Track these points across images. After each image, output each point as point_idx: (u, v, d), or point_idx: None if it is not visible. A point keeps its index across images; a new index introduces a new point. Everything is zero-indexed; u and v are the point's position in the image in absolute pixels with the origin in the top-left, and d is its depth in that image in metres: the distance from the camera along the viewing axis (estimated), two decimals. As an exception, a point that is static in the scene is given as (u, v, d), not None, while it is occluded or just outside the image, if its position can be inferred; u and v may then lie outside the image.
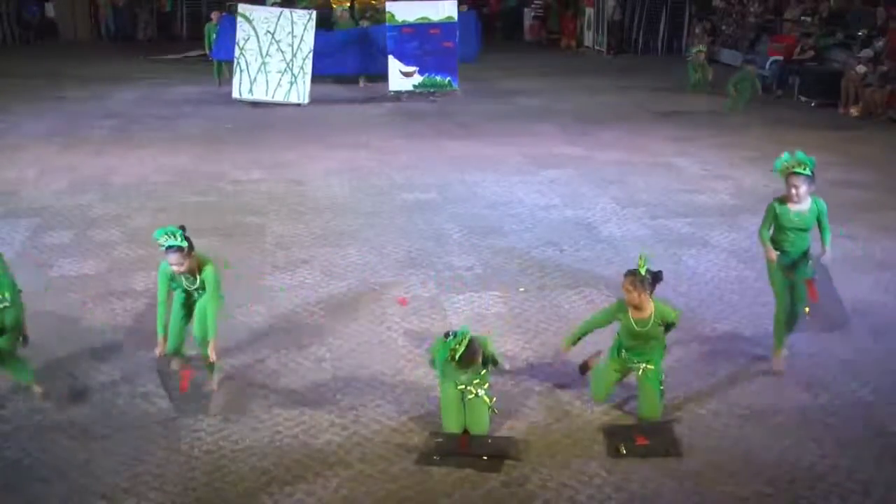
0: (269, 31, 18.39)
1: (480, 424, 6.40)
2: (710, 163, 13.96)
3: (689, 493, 5.76)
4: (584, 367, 7.10)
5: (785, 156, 7.34)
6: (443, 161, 14.16)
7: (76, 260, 9.72)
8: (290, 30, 18.41)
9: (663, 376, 6.69)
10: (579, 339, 6.90)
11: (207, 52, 21.24)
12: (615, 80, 22.40)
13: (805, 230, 7.33)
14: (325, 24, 23.61)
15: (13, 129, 16.51)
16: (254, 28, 18.38)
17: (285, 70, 18.58)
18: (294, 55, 18.48)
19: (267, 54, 18.47)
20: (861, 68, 18.03)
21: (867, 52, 18.50)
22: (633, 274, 6.48)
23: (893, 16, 19.36)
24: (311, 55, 18.59)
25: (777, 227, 7.39)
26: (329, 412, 6.71)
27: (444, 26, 19.05)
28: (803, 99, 19.51)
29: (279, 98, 18.63)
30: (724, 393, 6.98)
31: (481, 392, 6.42)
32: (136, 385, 7.06)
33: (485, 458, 6.10)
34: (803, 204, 7.29)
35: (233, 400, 6.89)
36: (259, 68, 18.52)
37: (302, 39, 18.47)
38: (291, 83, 18.63)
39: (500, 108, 18.80)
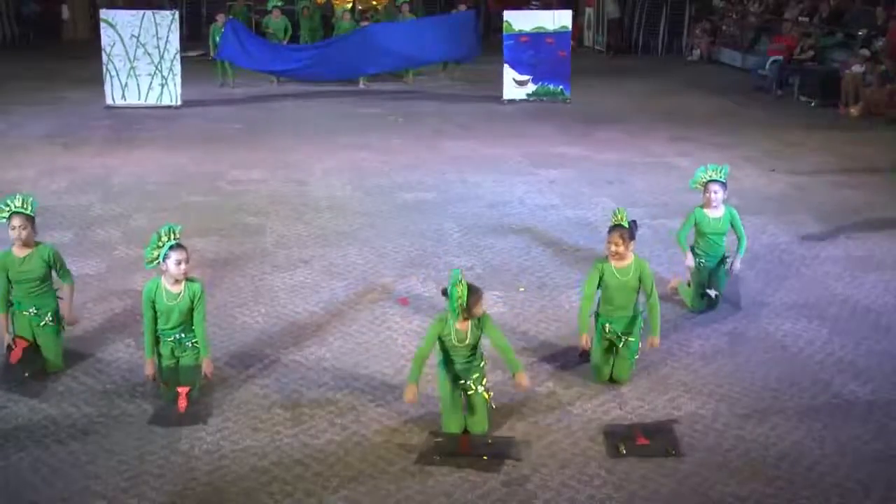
0: (133, 35, 18.22)
1: (480, 422, 6.40)
2: (709, 162, 13.86)
3: (690, 493, 5.76)
4: (583, 354, 7.27)
5: (701, 169, 8.58)
6: (443, 161, 14.17)
7: (76, 260, 9.69)
8: (154, 32, 18.24)
9: (639, 346, 7.16)
10: (587, 319, 7.13)
11: (212, 52, 21.24)
12: (614, 80, 22.40)
13: (721, 234, 8.48)
14: (326, 25, 23.85)
15: (14, 130, 16.50)
16: (118, 33, 18.23)
17: (154, 73, 18.44)
18: (161, 57, 18.32)
19: (134, 58, 18.31)
20: (857, 67, 18.05)
21: (864, 52, 18.52)
22: (619, 227, 7.05)
23: (893, 15, 19.38)
24: (178, 56, 18.41)
25: (697, 233, 8.51)
26: (329, 412, 6.71)
27: (559, 36, 19.12)
28: (803, 99, 19.54)
29: (152, 101, 18.45)
30: (724, 393, 6.99)
31: (480, 388, 6.43)
32: (135, 385, 7.05)
33: (485, 458, 6.10)
34: (719, 210, 8.45)
35: (233, 400, 6.89)
36: (128, 73, 18.37)
37: (167, 41, 18.30)
38: (162, 85, 18.46)
39: (499, 108, 18.80)
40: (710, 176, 8.43)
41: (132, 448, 6.26)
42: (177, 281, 6.69)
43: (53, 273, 7.35)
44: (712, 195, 8.38)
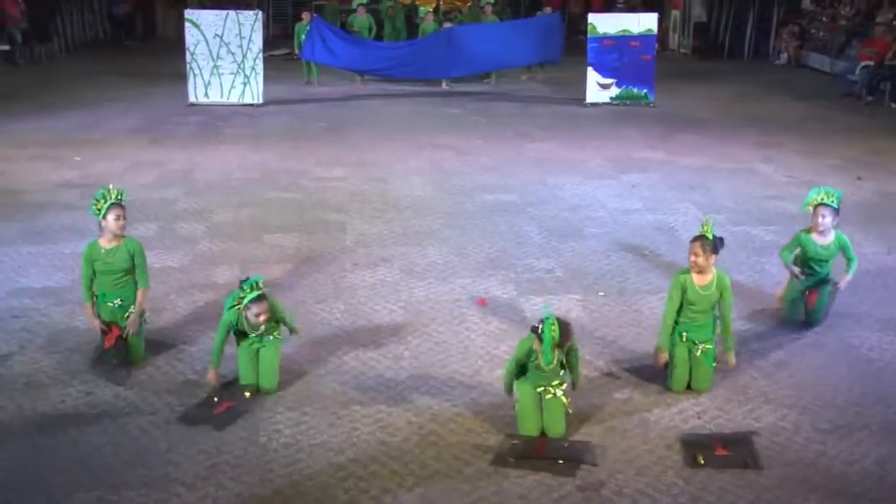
0: (217, 35, 18.45)
1: (557, 426, 6.38)
2: (794, 170, 13.73)
3: (768, 507, 5.67)
4: (664, 363, 7.18)
5: (814, 190, 8.10)
6: (524, 163, 14.14)
7: (160, 252, 9.90)
8: (237, 31, 18.46)
9: (715, 352, 7.03)
10: (668, 336, 7.06)
11: (296, 51, 21.49)
12: (699, 83, 22.12)
13: (825, 261, 8.10)
14: (410, 25, 23.97)
15: (103, 124, 16.90)
16: (202, 33, 18.47)
17: (237, 71, 18.64)
18: (244, 56, 18.54)
19: (218, 57, 18.54)
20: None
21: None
22: (701, 238, 6.92)
23: None
24: (261, 55, 18.63)
25: (801, 258, 8.14)
26: (406, 410, 6.74)
27: (644, 39, 19.04)
28: (894, 106, 19.06)
29: (234, 100, 18.68)
30: (805, 405, 6.86)
31: (559, 392, 6.42)
32: (216, 376, 7.16)
33: (561, 461, 6.08)
34: (828, 237, 8.03)
35: (311, 395, 6.97)
36: (212, 72, 18.61)
37: (250, 40, 18.51)
38: (245, 84, 18.68)
39: (581, 110, 18.70)
40: (822, 199, 7.98)
41: (211, 438, 6.37)
42: (256, 328, 6.91)
43: None
44: (820, 220, 7.97)
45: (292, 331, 7.27)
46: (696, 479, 5.93)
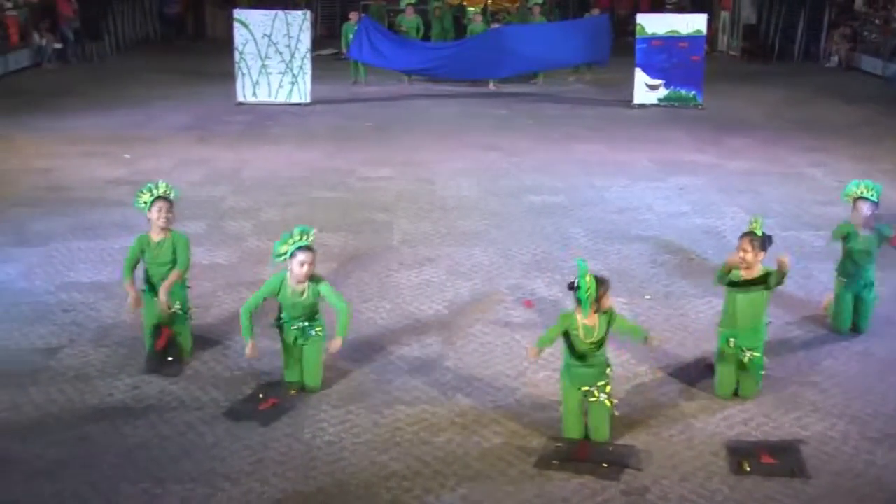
0: (265, 34, 18.55)
1: (601, 429, 6.35)
2: (845, 174, 13.50)
3: (815, 516, 5.61)
4: (710, 366, 7.14)
5: (853, 182, 8.07)
6: (571, 164, 14.10)
7: (208, 249, 9.99)
8: (286, 31, 18.55)
9: (765, 360, 6.94)
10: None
11: (344, 50, 21.58)
12: (748, 85, 21.90)
13: (867, 254, 8.01)
14: (457, 26, 23.97)
15: (153, 122, 17.09)
16: (251, 32, 18.57)
17: (285, 71, 18.74)
18: (292, 56, 18.63)
19: (266, 57, 18.64)
20: None
21: None
22: (750, 234, 6.83)
23: None
24: (309, 54, 18.74)
25: (845, 252, 8.10)
26: (450, 411, 6.75)
27: (693, 40, 18.93)
28: (948, 111, 18.77)
29: (282, 99, 18.78)
30: (853, 415, 6.76)
31: (603, 396, 6.37)
32: (261, 372, 7.22)
33: (605, 465, 6.04)
34: (866, 231, 7.97)
35: (356, 393, 6.99)
36: (260, 71, 18.71)
37: (299, 40, 18.60)
38: (292, 83, 18.79)
39: (629, 112, 18.60)
40: (861, 192, 7.94)
41: (256, 434, 6.42)
42: (299, 282, 6.85)
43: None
44: (858, 212, 7.94)
45: (341, 331, 7.04)
46: (741, 486, 5.87)
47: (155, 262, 7.45)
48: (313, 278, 6.90)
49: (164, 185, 7.49)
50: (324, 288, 6.91)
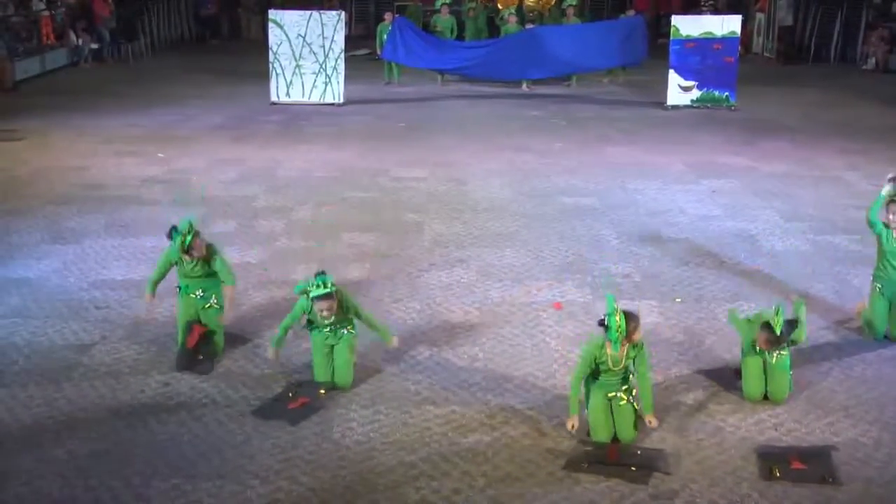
0: (300, 35, 18.59)
1: (628, 431, 6.34)
2: (881, 178, 13.34)
3: (846, 522, 5.56)
4: (738, 371, 7.09)
5: (889, 187, 8.02)
6: (603, 166, 14.05)
7: (240, 248, 10.05)
8: (320, 31, 18.59)
9: (791, 360, 6.94)
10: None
11: (378, 51, 21.63)
12: (783, 87, 21.71)
13: None
14: (491, 27, 23.95)
15: (188, 121, 17.20)
16: (285, 33, 18.62)
17: (319, 71, 18.78)
18: (326, 56, 18.67)
19: (300, 57, 18.69)
20: None
21: None
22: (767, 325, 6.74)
23: None
24: (342, 55, 18.76)
25: (879, 253, 7.97)
26: (479, 412, 6.75)
27: (727, 41, 18.84)
28: None
29: (315, 99, 18.82)
30: (887, 421, 6.69)
31: (630, 398, 6.38)
32: (291, 371, 7.25)
33: (633, 468, 6.02)
34: None
35: (385, 393, 7.01)
36: (294, 71, 18.77)
37: (333, 40, 18.63)
38: (326, 84, 18.83)
39: (662, 114, 18.51)
40: (893, 196, 7.92)
41: (286, 432, 6.45)
42: (325, 320, 7.01)
43: None
44: (891, 217, 7.90)
45: (385, 339, 7.33)
46: (771, 492, 5.83)
47: (187, 274, 7.60)
48: (342, 308, 7.04)
49: (187, 223, 7.50)
50: (353, 317, 7.15)
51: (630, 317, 6.29)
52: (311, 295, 6.88)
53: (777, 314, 6.77)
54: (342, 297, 7.04)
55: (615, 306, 6.29)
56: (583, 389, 6.51)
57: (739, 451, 6.28)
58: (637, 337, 6.32)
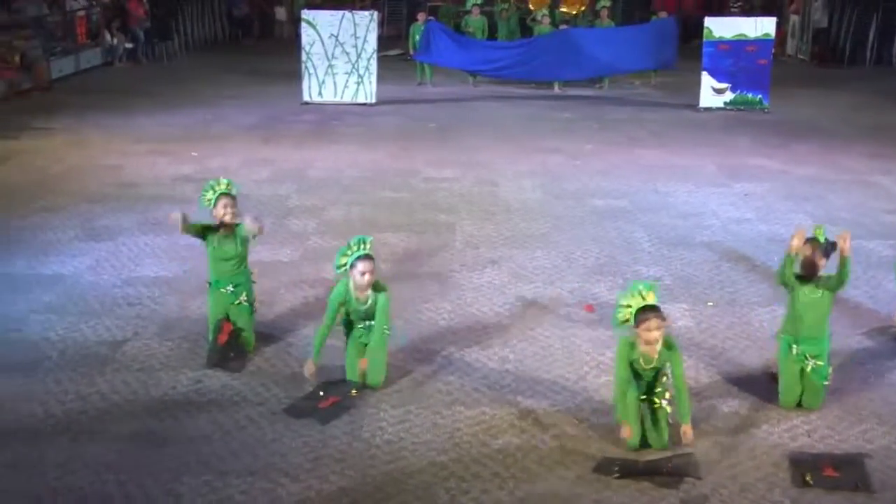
0: (332, 35, 18.61)
1: (660, 436, 6.30)
2: (916, 183, 13.28)
3: (880, 530, 5.50)
4: (774, 375, 7.03)
5: None
6: (635, 168, 13.99)
7: (272, 247, 10.09)
8: (353, 31, 18.60)
9: (830, 370, 6.81)
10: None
11: (411, 51, 21.65)
12: (817, 90, 21.55)
13: None
14: (523, 28, 23.91)
15: (220, 121, 17.29)
16: (318, 32, 18.65)
17: (351, 71, 18.79)
18: (359, 56, 18.70)
19: (333, 57, 18.71)
20: None
21: None
22: (815, 239, 6.82)
23: None
24: (375, 55, 18.77)
25: None
26: (509, 413, 6.74)
27: (761, 43, 18.74)
28: None
29: (347, 99, 18.84)
30: (923, 427, 6.63)
31: (664, 402, 6.32)
32: (323, 371, 7.26)
33: (664, 473, 5.99)
34: None
35: (416, 394, 7.02)
36: (326, 71, 18.79)
37: (365, 40, 18.65)
38: (358, 84, 18.85)
39: (694, 116, 18.42)
40: None
41: (316, 431, 6.47)
42: (362, 290, 6.92)
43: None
44: None
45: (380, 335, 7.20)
46: (803, 499, 5.78)
47: (218, 257, 7.59)
48: (376, 287, 6.99)
49: (225, 181, 7.64)
50: (381, 301, 6.98)
51: (648, 308, 6.16)
52: (353, 256, 6.81)
53: (818, 228, 6.91)
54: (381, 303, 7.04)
55: (638, 289, 6.22)
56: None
57: (771, 457, 6.23)
58: (656, 335, 6.14)
